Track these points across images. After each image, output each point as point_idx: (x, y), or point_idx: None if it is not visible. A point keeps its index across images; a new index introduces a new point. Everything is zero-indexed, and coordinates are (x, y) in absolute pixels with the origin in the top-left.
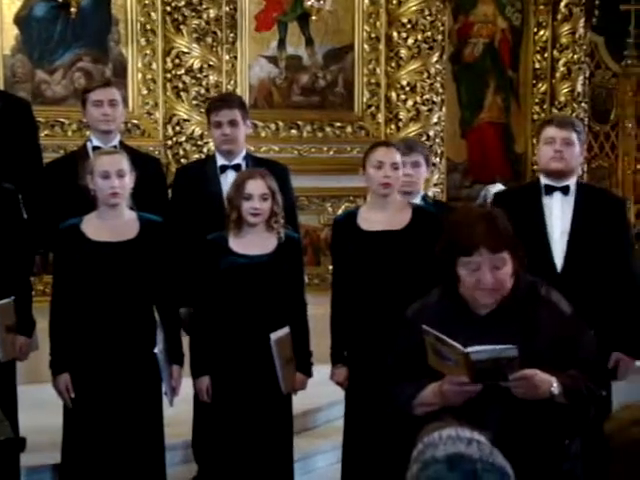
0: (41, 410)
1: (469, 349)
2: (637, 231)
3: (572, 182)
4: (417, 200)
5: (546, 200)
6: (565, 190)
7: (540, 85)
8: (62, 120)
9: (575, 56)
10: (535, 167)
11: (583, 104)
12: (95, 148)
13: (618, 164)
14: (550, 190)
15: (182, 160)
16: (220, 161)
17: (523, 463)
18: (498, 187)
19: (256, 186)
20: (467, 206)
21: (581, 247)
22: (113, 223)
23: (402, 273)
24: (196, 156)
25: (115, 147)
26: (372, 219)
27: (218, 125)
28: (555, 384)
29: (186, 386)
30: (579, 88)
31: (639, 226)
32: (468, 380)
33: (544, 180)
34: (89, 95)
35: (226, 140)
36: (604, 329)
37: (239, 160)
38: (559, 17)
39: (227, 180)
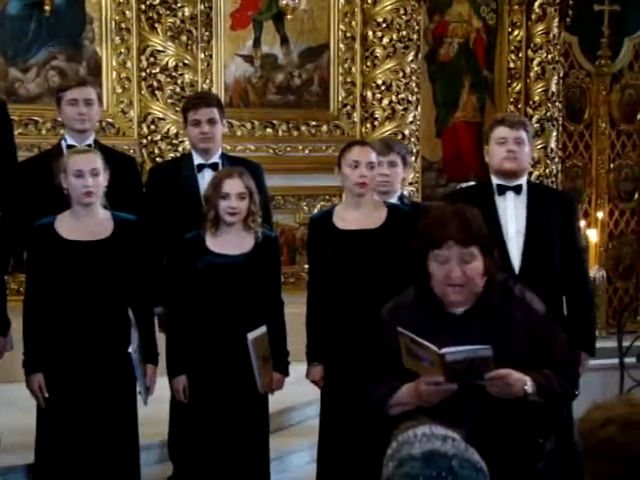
0: (15, 410)
1: (444, 350)
2: (609, 230)
3: (523, 181)
4: (393, 200)
5: (499, 200)
6: (517, 189)
7: (515, 85)
8: (36, 118)
9: (549, 56)
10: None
11: (557, 103)
12: (69, 147)
13: (592, 163)
14: (502, 190)
15: (157, 159)
16: (197, 160)
17: (498, 462)
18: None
19: (233, 185)
20: (441, 204)
21: (537, 245)
22: (87, 222)
23: (377, 272)
24: (171, 155)
25: (90, 146)
26: (348, 218)
27: (196, 123)
28: (529, 383)
29: (161, 385)
30: (553, 88)
31: (611, 225)
32: (444, 380)
33: (496, 180)
34: (64, 94)
35: (204, 138)
36: (561, 326)
37: (216, 159)
38: (533, 17)
39: (204, 179)
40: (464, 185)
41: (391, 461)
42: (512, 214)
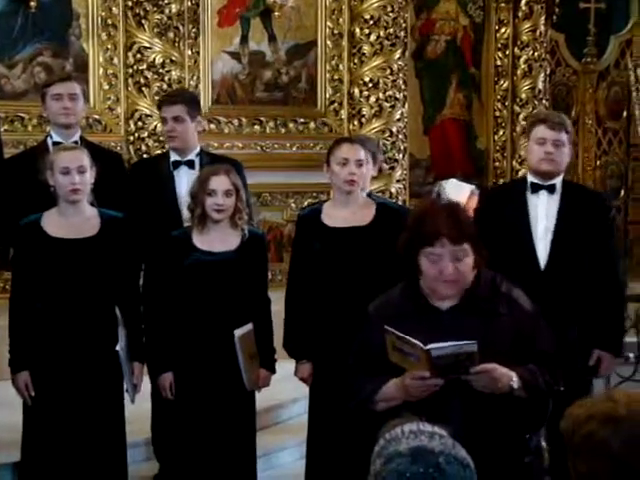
0: (1, 408)
1: (429, 346)
2: None
3: (558, 181)
4: None
5: (532, 198)
6: (551, 189)
7: (501, 82)
8: (22, 115)
9: (536, 53)
10: (497, 164)
11: (544, 101)
12: (55, 143)
13: (579, 160)
14: (536, 188)
15: (144, 156)
16: (173, 157)
17: (485, 457)
18: (452, 182)
19: (220, 182)
20: (429, 200)
21: (564, 245)
22: (74, 220)
23: (366, 269)
24: (158, 152)
25: (76, 142)
26: (336, 215)
27: (164, 121)
28: (515, 378)
29: (148, 383)
30: (540, 85)
31: None
32: (429, 375)
33: (531, 178)
34: (49, 89)
35: (170, 136)
36: (586, 326)
37: (192, 156)
38: (520, 15)
39: (180, 176)
40: (443, 182)
41: (379, 458)
42: (543, 212)
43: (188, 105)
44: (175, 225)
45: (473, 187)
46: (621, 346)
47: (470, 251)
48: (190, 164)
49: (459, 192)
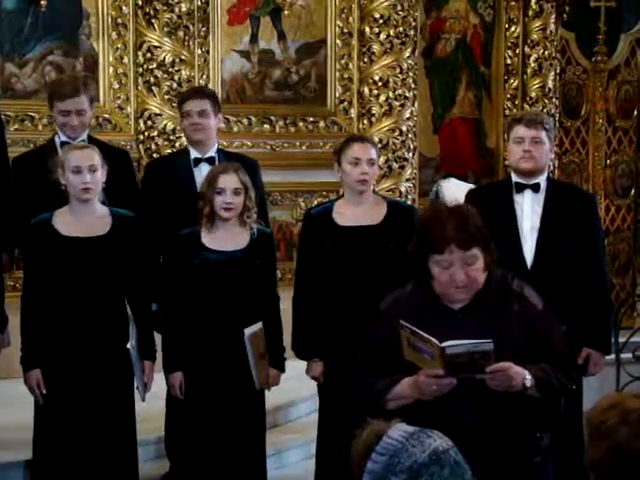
0: (12, 406)
1: (445, 343)
2: (605, 226)
3: (542, 179)
4: None
5: (517, 197)
6: (535, 187)
7: (511, 81)
8: (32, 114)
9: (546, 52)
10: (506, 162)
11: (554, 100)
12: (63, 143)
13: (589, 159)
14: (521, 188)
15: (154, 155)
16: (193, 154)
17: (495, 456)
18: (451, 182)
19: (229, 180)
20: (436, 204)
21: (550, 243)
22: (85, 218)
23: (377, 268)
24: (168, 151)
25: (84, 141)
26: (348, 214)
27: (187, 115)
28: (528, 376)
29: (159, 381)
30: (550, 84)
31: (608, 221)
32: (443, 373)
33: (515, 178)
34: (57, 104)
35: (195, 129)
36: (574, 325)
37: (212, 153)
38: (530, 13)
39: (201, 173)
40: (442, 182)
41: (395, 475)
42: (528, 211)
43: (212, 101)
44: (196, 222)
45: (472, 187)
46: (610, 344)
47: (480, 255)
48: (211, 161)
49: (458, 191)
